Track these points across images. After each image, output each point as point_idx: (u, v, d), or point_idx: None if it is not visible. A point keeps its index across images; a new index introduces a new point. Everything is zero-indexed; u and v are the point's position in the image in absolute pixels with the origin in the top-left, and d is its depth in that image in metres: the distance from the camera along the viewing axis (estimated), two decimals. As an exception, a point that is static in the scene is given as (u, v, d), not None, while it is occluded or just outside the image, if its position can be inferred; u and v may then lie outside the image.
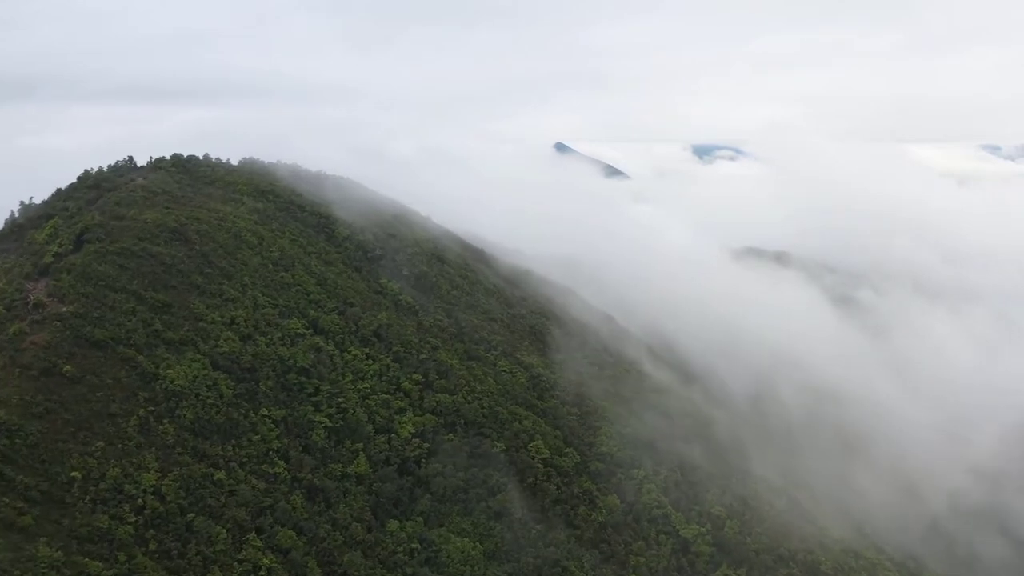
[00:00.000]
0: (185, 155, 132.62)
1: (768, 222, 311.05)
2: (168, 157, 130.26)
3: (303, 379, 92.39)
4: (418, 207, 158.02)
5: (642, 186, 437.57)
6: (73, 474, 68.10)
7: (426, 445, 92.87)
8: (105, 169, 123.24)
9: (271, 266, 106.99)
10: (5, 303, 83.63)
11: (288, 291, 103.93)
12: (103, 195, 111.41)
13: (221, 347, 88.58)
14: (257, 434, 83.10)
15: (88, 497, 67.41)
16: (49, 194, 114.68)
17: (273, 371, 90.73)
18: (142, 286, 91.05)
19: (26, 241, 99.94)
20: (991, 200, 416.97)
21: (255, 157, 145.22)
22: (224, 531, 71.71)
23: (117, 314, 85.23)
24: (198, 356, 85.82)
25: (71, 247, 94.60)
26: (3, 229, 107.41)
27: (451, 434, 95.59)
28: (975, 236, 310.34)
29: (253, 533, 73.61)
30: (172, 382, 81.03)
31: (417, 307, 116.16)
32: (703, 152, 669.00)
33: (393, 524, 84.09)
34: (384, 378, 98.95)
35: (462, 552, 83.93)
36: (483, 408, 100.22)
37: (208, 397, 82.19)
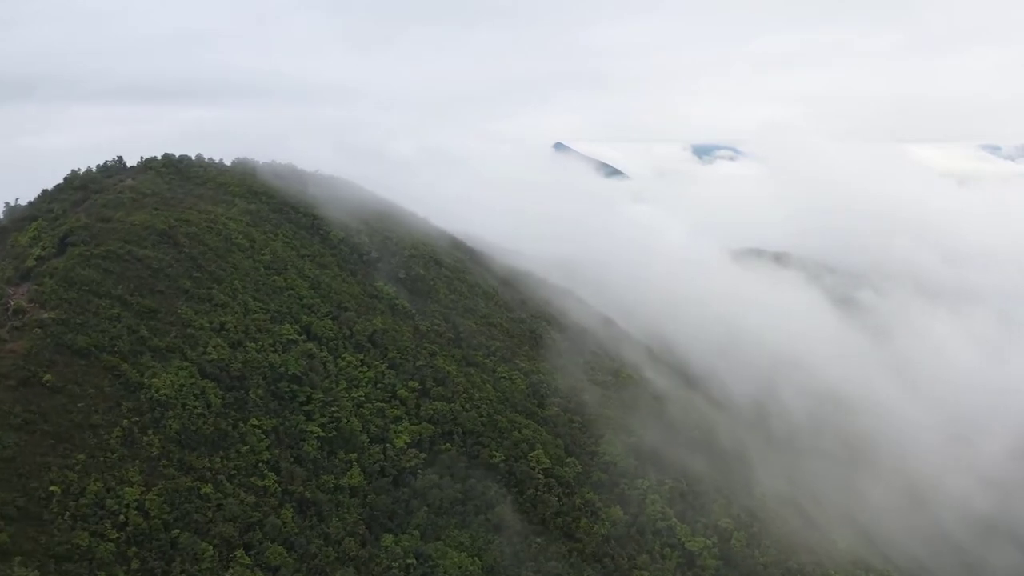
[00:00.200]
0: (180, 155, 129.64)
1: (768, 222, 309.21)
2: (159, 157, 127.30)
3: (295, 387, 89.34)
4: (417, 207, 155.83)
5: (642, 186, 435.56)
6: (52, 489, 64.89)
7: (422, 455, 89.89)
8: (93, 169, 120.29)
9: (263, 269, 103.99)
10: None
11: (280, 295, 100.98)
12: (90, 196, 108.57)
13: (209, 354, 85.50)
14: (246, 445, 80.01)
15: (67, 513, 64.24)
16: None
17: (264, 379, 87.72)
18: (127, 291, 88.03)
19: (8, 244, 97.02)
20: (991, 200, 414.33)
21: (250, 157, 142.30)
22: (210, 548, 68.59)
23: (101, 320, 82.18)
24: (185, 364, 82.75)
25: (55, 250, 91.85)
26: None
27: (448, 444, 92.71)
28: (975, 236, 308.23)
29: (241, 550, 70.41)
30: (157, 391, 77.85)
31: (413, 311, 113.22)
32: (703, 152, 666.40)
33: (388, 538, 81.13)
34: (379, 385, 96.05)
35: (459, 567, 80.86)
36: (482, 416, 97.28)
37: (195, 407, 79.03)
